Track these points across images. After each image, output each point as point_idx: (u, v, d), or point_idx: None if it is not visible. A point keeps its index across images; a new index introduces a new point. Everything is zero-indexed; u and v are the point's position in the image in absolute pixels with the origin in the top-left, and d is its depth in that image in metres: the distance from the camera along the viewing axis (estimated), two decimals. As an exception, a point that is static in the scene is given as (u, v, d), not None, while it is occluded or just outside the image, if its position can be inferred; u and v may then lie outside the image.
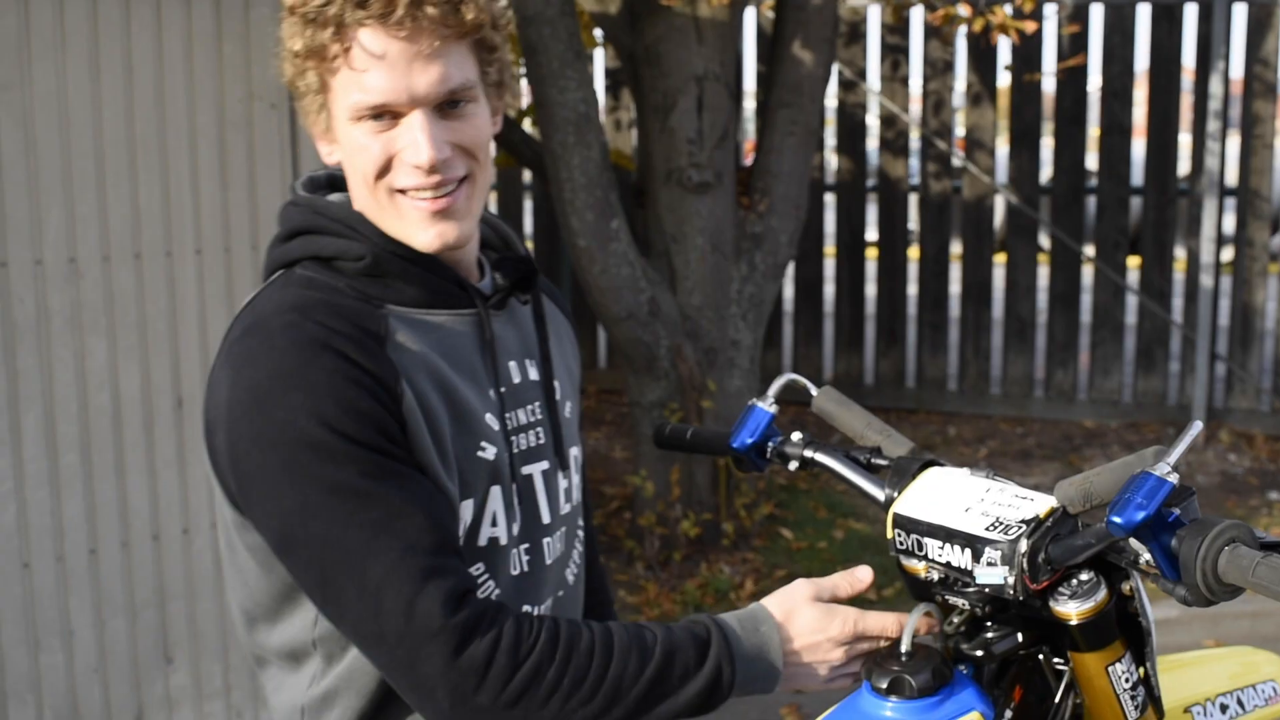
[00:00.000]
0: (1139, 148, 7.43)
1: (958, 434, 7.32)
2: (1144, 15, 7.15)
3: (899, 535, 1.54)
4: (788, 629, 1.52)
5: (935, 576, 1.53)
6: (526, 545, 1.60)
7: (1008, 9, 5.68)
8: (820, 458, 1.74)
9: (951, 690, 1.47)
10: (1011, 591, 1.45)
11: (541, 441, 1.64)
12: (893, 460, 1.68)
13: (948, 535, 1.49)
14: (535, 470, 1.63)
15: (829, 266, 7.91)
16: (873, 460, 1.72)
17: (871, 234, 7.83)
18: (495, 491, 1.55)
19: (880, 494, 1.63)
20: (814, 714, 4.73)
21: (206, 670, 4.03)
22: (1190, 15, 7.07)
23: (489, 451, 1.55)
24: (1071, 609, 1.46)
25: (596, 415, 7.74)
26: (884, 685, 1.47)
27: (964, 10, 4.59)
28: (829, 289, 7.90)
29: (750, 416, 1.81)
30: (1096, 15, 7.20)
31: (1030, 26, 4.80)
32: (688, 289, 5.41)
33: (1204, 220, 7.05)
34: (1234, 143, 7.29)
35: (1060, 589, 1.47)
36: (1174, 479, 1.34)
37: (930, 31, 7.35)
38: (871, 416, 1.78)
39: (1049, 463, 6.87)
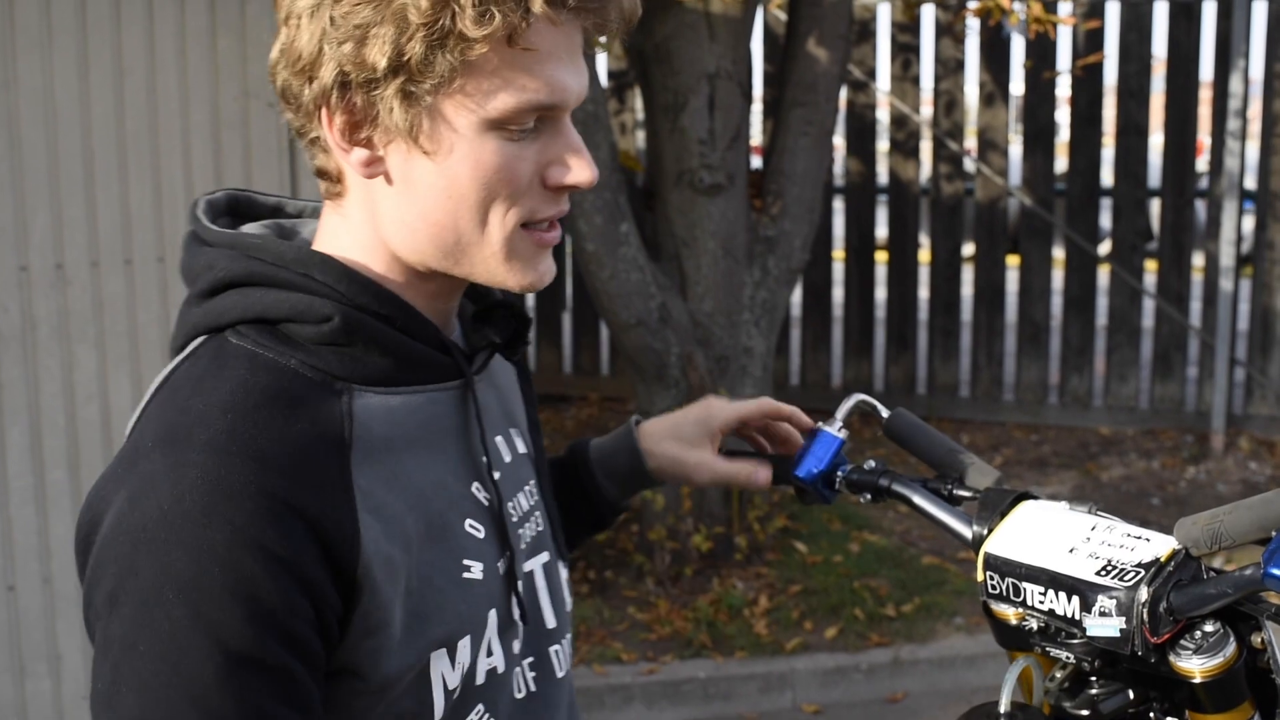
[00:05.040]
0: (1156, 148, 7.28)
1: (971, 442, 7.15)
2: (1161, 13, 6.99)
3: (991, 578, 1.36)
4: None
5: (1034, 626, 1.35)
6: (531, 659, 1.30)
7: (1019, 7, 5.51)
8: (897, 488, 1.55)
9: None
10: (1128, 645, 1.27)
11: (540, 529, 1.34)
12: (980, 492, 1.49)
13: (1051, 580, 1.31)
14: (536, 565, 1.32)
15: (838, 270, 7.75)
16: (955, 492, 1.54)
17: (881, 237, 7.68)
18: (492, 616, 1.23)
19: (967, 531, 1.45)
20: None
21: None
22: (1209, 13, 6.91)
23: (475, 570, 1.21)
24: (1196, 665, 1.28)
25: (600, 424, 7.57)
26: None
27: (1005, 3, 4.42)
28: (838, 293, 7.74)
29: (817, 443, 1.61)
30: (1113, 13, 7.04)
31: (1069, 21, 4.62)
32: (699, 294, 5.24)
33: (1223, 222, 6.89)
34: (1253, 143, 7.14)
35: (1182, 642, 1.29)
36: None
37: (942, 30, 7.20)
38: (952, 442, 1.60)
39: (1065, 471, 6.71)
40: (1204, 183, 7.30)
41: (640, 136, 7.56)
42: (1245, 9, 6.71)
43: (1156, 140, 7.28)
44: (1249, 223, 7.20)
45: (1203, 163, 7.36)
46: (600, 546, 5.57)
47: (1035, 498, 1.43)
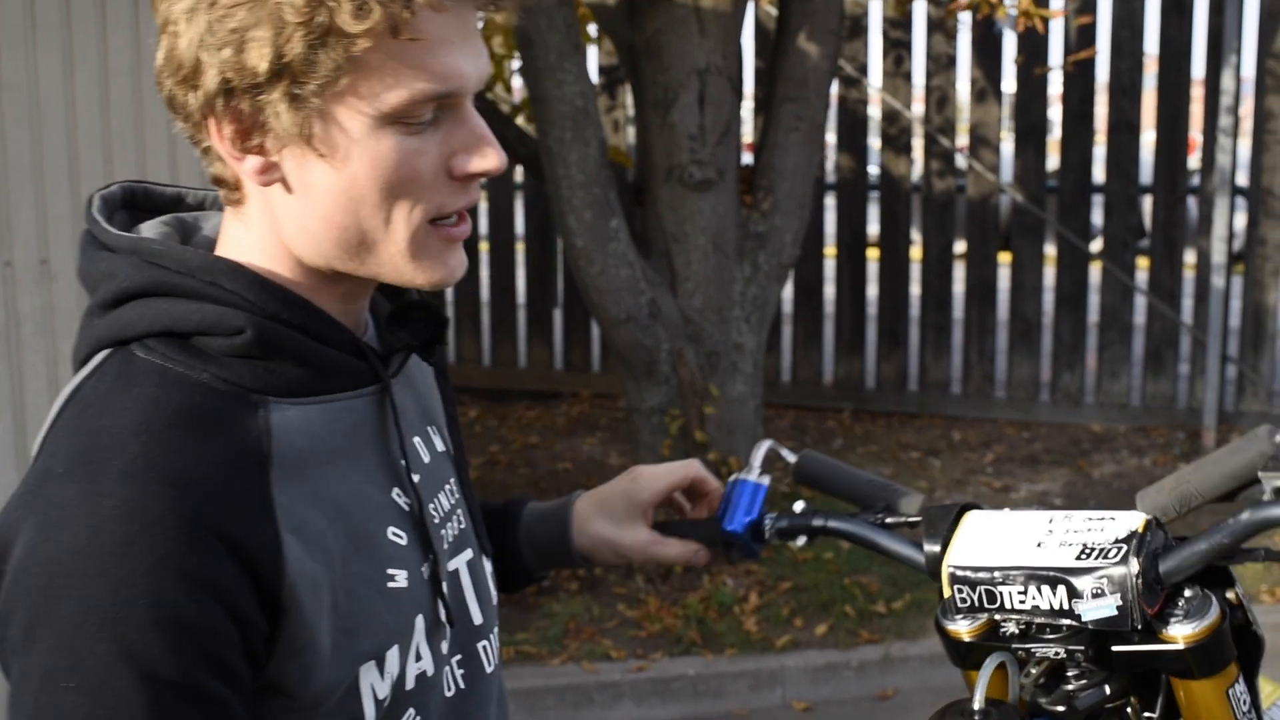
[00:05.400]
0: (1148, 145, 7.27)
1: (962, 439, 7.14)
2: (1153, 8, 6.98)
3: (960, 591, 1.34)
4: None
5: (1011, 629, 1.33)
6: (459, 657, 1.27)
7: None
8: (834, 525, 1.50)
9: None
10: (1129, 620, 1.26)
11: (463, 526, 1.31)
12: (921, 513, 1.46)
13: (1030, 577, 1.30)
14: (461, 564, 1.29)
15: (829, 267, 7.74)
16: (886, 521, 1.51)
17: (873, 233, 7.66)
18: (419, 622, 1.20)
19: (918, 554, 1.41)
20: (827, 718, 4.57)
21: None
22: (1201, 8, 6.89)
23: (400, 578, 1.18)
24: (1187, 630, 1.28)
25: (591, 420, 7.55)
26: None
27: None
28: (829, 290, 7.72)
29: (739, 493, 1.54)
30: (1104, 8, 7.03)
31: (1057, 14, 4.61)
32: (689, 291, 5.22)
33: (1215, 219, 6.88)
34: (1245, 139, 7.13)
35: (1172, 611, 1.29)
36: None
37: (934, 25, 7.19)
38: (869, 474, 1.57)
39: (1057, 468, 6.69)
40: (1196, 180, 7.29)
41: (631, 132, 7.54)
42: (1237, 5, 6.68)
43: (1148, 137, 7.27)
44: (1241, 219, 7.19)
45: (1194, 160, 7.35)
46: (590, 544, 5.55)
47: (979, 508, 1.42)
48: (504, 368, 8.21)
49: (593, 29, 6.56)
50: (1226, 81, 6.75)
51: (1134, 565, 1.26)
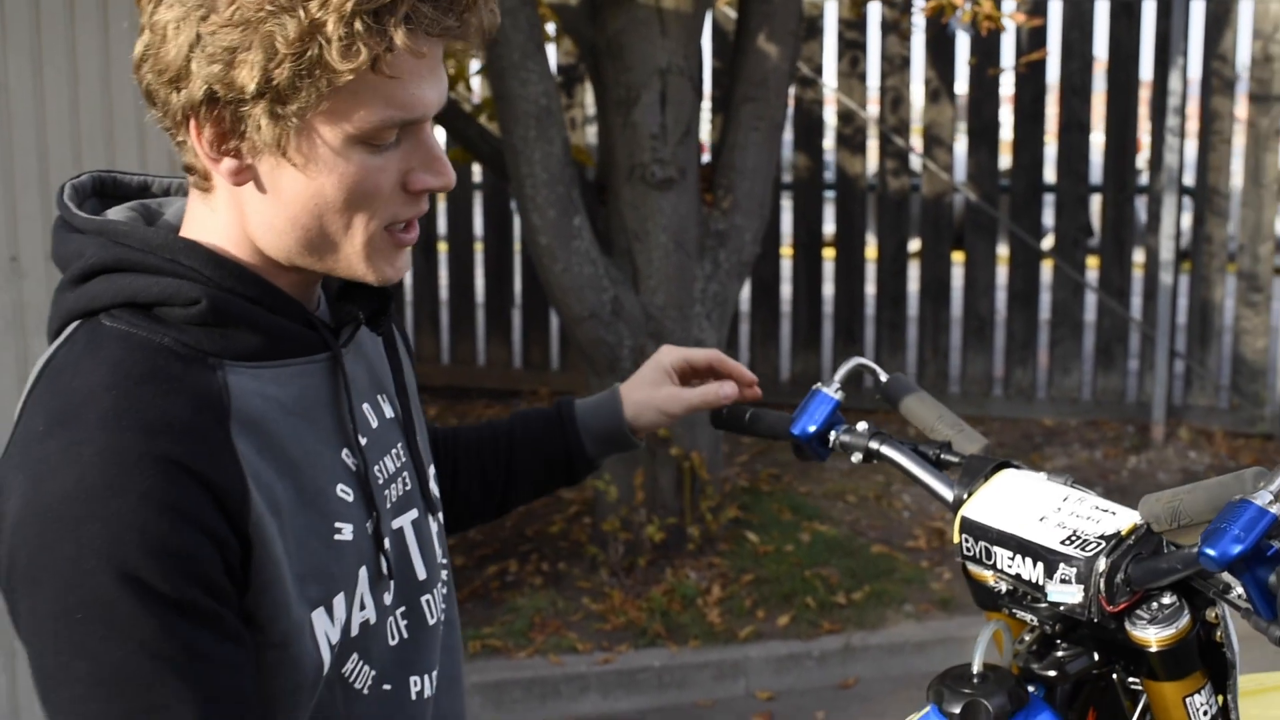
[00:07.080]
0: (1097, 145, 7.39)
1: (917, 434, 7.21)
2: (1102, 11, 7.11)
3: (966, 541, 1.42)
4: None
5: (1004, 589, 1.41)
6: (403, 609, 1.38)
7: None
8: (886, 451, 1.62)
9: (1027, 714, 1.36)
10: (1086, 612, 1.33)
11: (409, 487, 1.41)
12: (964, 458, 1.55)
13: (1019, 546, 1.37)
14: (405, 522, 1.40)
15: (786, 266, 7.82)
16: (942, 456, 1.60)
17: (829, 232, 7.75)
18: (362, 573, 1.30)
19: (949, 494, 1.52)
20: (788, 723, 4.65)
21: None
22: (1149, 11, 7.03)
23: (346, 531, 1.28)
24: (1150, 635, 1.34)
25: (551, 418, 7.58)
26: (957, 710, 1.34)
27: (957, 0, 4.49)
28: (786, 288, 7.80)
29: (813, 402, 1.69)
30: (1055, 11, 7.15)
31: (1020, 18, 4.70)
32: (651, 288, 5.28)
33: (1163, 217, 7.02)
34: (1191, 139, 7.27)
35: (1139, 612, 1.35)
36: (1277, 509, 1.22)
37: (888, 27, 7.28)
38: (944, 408, 1.66)
39: (1010, 462, 6.79)
40: (1144, 179, 7.42)
41: (589, 131, 7.59)
42: (1184, 8, 6.83)
43: (1098, 138, 7.40)
44: (1188, 218, 7.33)
45: (1142, 160, 7.49)
46: (554, 538, 5.61)
47: (1017, 466, 1.49)
48: (463, 366, 8.23)
49: (551, 28, 6.61)
50: (1174, 83, 6.88)
51: (1101, 564, 1.33)
